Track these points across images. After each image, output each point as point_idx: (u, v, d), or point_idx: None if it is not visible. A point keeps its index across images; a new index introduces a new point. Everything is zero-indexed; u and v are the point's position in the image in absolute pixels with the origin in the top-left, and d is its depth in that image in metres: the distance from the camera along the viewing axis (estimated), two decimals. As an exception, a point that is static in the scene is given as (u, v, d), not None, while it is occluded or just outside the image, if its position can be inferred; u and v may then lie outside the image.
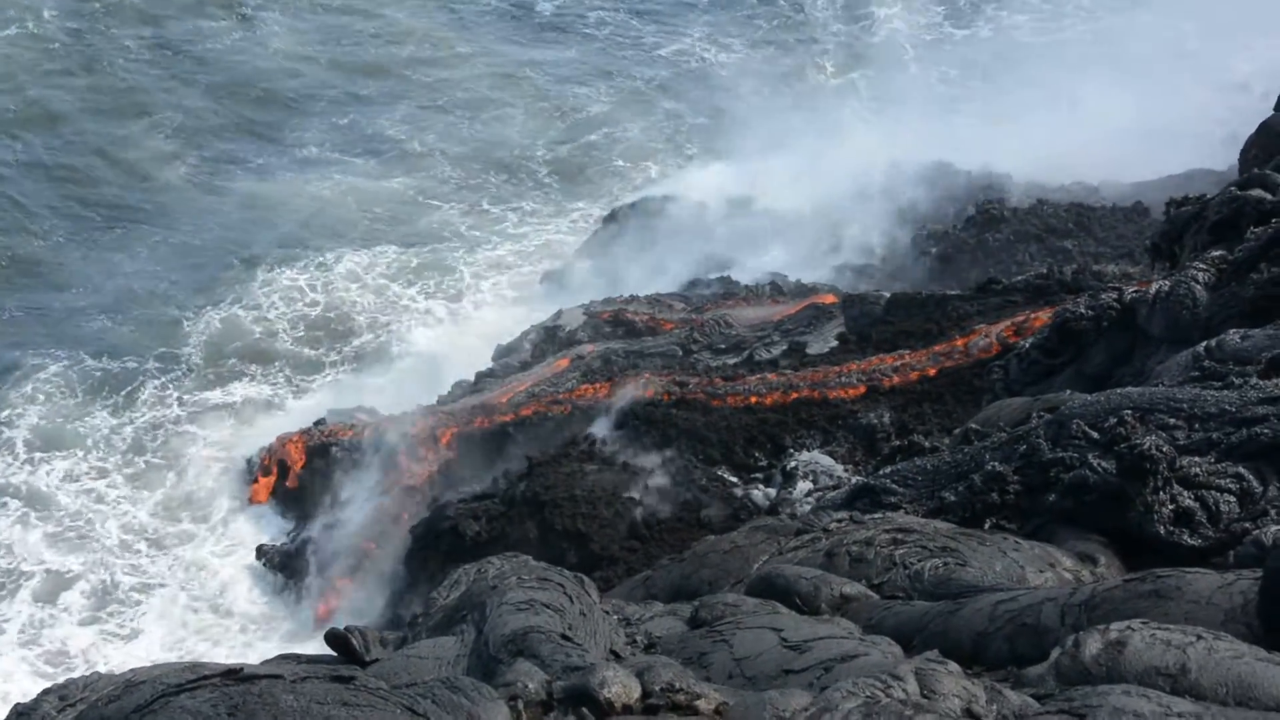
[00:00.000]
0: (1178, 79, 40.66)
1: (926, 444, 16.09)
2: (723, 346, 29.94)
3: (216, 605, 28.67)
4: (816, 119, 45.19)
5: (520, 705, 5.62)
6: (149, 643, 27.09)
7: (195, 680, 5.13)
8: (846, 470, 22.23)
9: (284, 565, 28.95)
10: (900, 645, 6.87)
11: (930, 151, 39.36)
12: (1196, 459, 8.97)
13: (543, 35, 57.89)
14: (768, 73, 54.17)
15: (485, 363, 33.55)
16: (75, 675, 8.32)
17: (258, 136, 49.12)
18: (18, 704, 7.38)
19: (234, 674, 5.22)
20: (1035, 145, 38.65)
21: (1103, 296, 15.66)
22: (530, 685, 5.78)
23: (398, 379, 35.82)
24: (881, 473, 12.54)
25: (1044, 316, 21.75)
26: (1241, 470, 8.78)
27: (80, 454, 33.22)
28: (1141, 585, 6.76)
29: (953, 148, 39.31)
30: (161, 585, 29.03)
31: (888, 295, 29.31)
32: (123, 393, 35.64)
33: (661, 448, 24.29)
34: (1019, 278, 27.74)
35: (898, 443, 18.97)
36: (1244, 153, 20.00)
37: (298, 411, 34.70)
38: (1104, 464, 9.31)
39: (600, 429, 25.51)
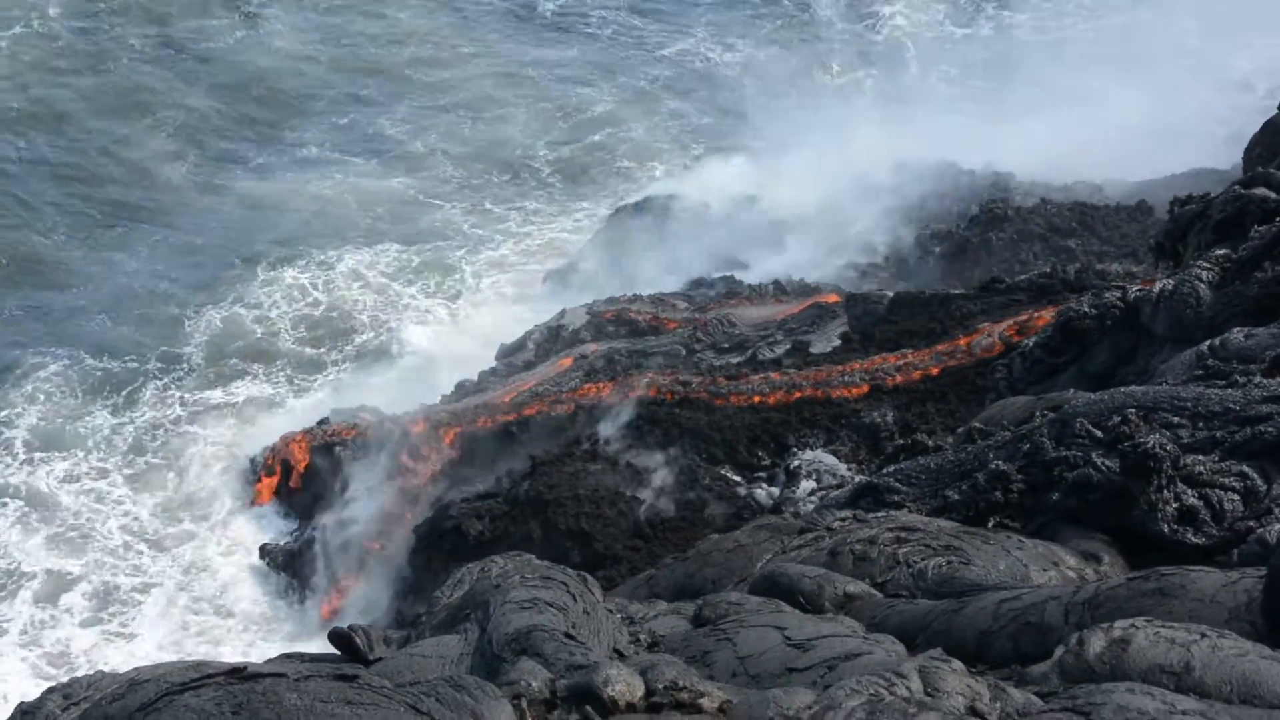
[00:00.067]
0: (1180, 77, 40.65)
1: (930, 443, 16.09)
2: (726, 346, 29.95)
3: (218, 606, 28.61)
4: (822, 118, 45.14)
5: (524, 704, 5.62)
6: (150, 644, 27.00)
7: (199, 679, 5.13)
8: (850, 469, 22.21)
9: (287, 565, 28.95)
10: (904, 644, 6.87)
11: (934, 151, 39.34)
12: (1200, 457, 8.97)
13: (545, 35, 57.85)
14: (773, 72, 54.11)
15: (488, 362, 33.55)
16: (79, 675, 8.31)
17: (260, 135, 49.14)
18: (22, 702, 7.38)
19: (238, 672, 5.22)
20: (1039, 144, 38.66)
21: (1106, 295, 15.66)
22: (534, 684, 5.78)
23: (399, 378, 35.83)
24: (885, 472, 12.54)
25: (1047, 315, 21.70)
26: (1245, 469, 8.79)
27: (81, 454, 33.10)
28: (1145, 583, 6.76)
29: (956, 147, 39.28)
30: (163, 586, 28.96)
31: (891, 294, 29.28)
32: (123, 392, 35.57)
33: (665, 447, 24.29)
34: (1022, 277, 27.69)
35: (901, 442, 18.97)
36: (1248, 151, 19.95)
37: (299, 411, 34.68)
38: (1108, 462, 9.31)
39: (604, 428, 25.51)
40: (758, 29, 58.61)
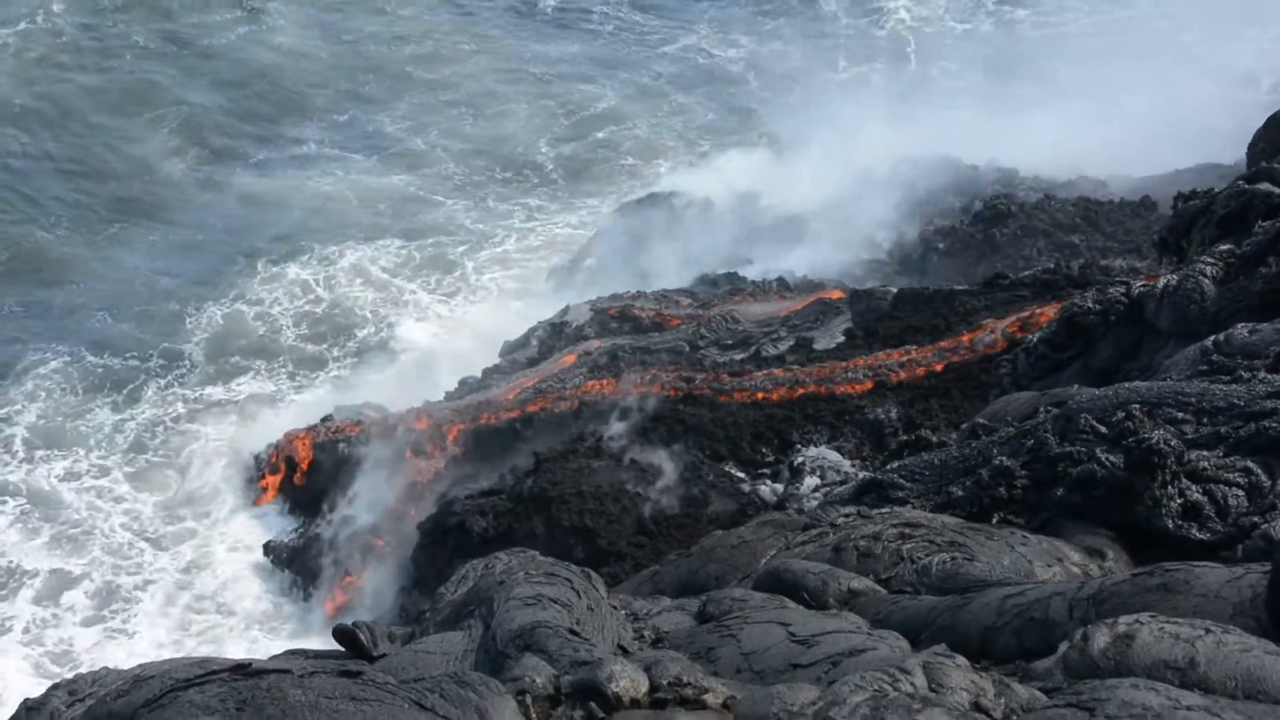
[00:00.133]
0: (1183, 73, 40.60)
1: (934, 439, 16.04)
2: (730, 342, 29.95)
3: (221, 603, 28.58)
4: (827, 114, 45.10)
5: (528, 700, 5.61)
6: (153, 642, 26.96)
7: (204, 675, 5.13)
8: (854, 465, 22.21)
9: (291, 561, 28.97)
10: (908, 640, 6.87)
11: (938, 146, 39.30)
12: (1204, 453, 8.95)
13: (546, 31, 57.86)
14: (778, 68, 54.08)
15: (491, 359, 33.55)
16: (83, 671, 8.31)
17: (261, 132, 49.19)
18: (27, 699, 7.38)
19: (242, 669, 5.22)
20: (1042, 140, 38.62)
21: (1110, 291, 15.64)
22: (538, 680, 5.77)
23: (400, 374, 35.80)
24: (889, 468, 12.52)
25: (1051, 311, 21.70)
26: (1250, 464, 8.77)
27: (82, 452, 33.06)
28: (1150, 579, 6.75)
29: (960, 143, 39.25)
30: (164, 584, 28.93)
31: (895, 290, 29.27)
32: (124, 389, 35.56)
33: (669, 444, 24.31)
34: (1026, 273, 27.67)
35: (905, 438, 18.91)
36: (1252, 146, 19.90)
37: (301, 407, 34.65)
38: (1112, 458, 9.30)
39: (608, 425, 25.52)
40: (760, 25, 58.58)
